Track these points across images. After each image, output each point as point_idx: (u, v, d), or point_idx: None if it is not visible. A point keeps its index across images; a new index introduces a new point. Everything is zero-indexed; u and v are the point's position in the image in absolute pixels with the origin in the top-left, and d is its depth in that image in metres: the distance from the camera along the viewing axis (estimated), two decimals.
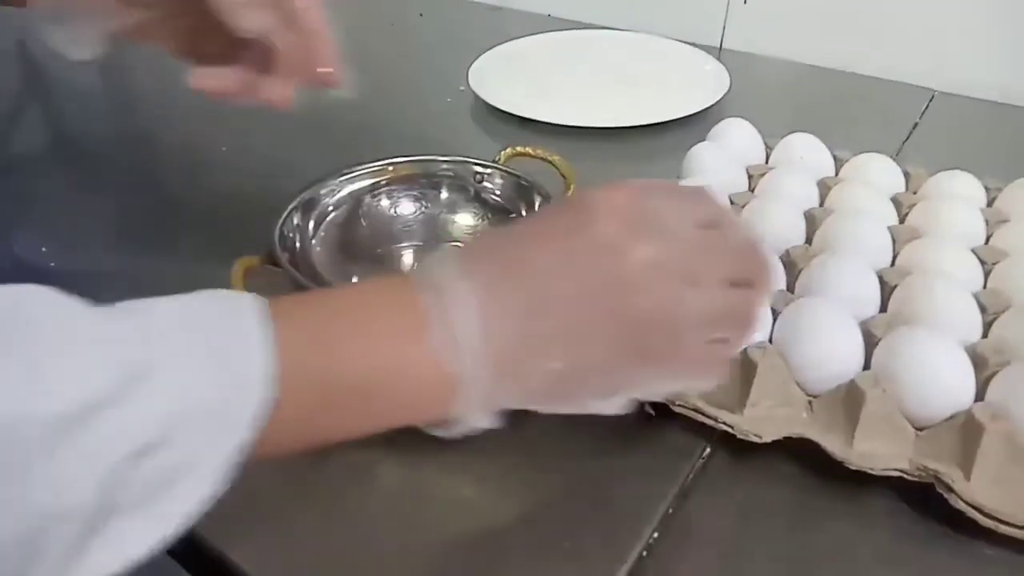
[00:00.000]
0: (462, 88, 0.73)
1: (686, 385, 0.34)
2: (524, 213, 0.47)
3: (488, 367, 0.27)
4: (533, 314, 0.28)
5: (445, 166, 0.50)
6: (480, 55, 0.78)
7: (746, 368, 0.36)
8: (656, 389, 0.32)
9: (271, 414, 0.24)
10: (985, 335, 0.38)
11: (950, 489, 0.33)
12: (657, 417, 0.38)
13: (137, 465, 0.22)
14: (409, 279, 0.28)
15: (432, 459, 0.37)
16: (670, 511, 0.35)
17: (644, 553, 0.33)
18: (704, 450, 0.38)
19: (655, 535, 0.34)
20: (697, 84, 0.71)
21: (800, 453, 0.36)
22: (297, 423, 0.26)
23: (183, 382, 0.23)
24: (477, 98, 0.70)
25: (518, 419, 0.30)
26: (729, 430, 0.36)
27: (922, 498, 0.34)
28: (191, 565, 0.36)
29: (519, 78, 0.75)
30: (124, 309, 0.24)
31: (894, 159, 0.51)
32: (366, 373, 0.27)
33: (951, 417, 0.34)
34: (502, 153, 0.50)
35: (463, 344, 0.27)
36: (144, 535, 0.23)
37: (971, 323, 0.38)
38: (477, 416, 0.28)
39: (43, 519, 0.21)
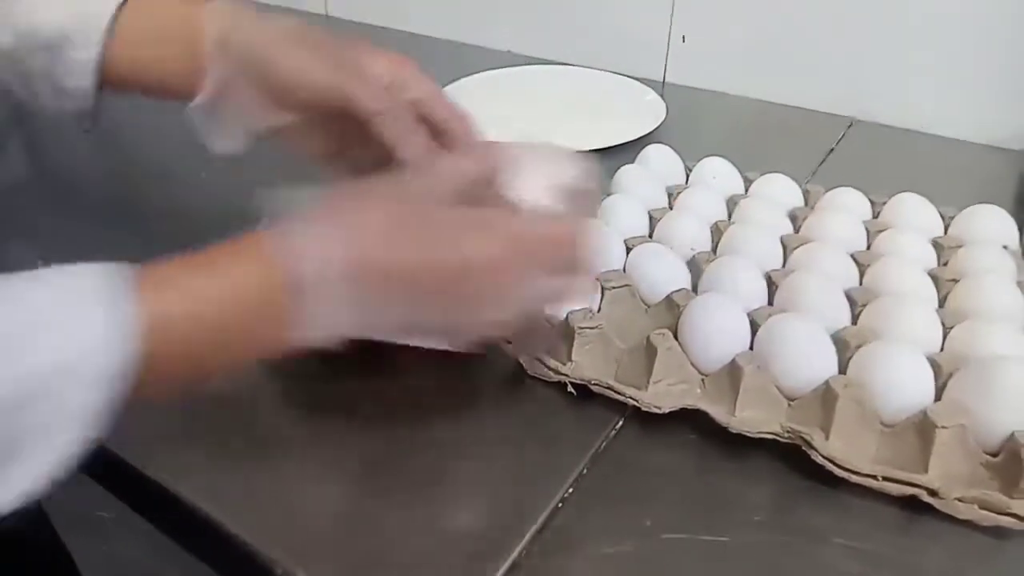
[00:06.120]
0: None
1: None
2: None
3: (332, 326, 0.33)
4: (377, 283, 0.33)
5: None
6: (441, 88, 0.85)
7: (649, 352, 0.43)
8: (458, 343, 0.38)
9: (141, 365, 0.29)
10: (854, 323, 0.45)
11: (811, 446, 0.39)
12: (578, 395, 0.45)
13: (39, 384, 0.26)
14: (265, 235, 0.33)
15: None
16: (584, 471, 0.41)
17: (559, 504, 0.40)
18: (617, 422, 0.44)
19: (570, 490, 0.40)
20: (637, 114, 0.78)
21: (698, 424, 0.43)
22: (170, 368, 0.31)
23: (45, 345, 0.27)
24: None
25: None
26: (636, 403, 0.43)
27: (797, 458, 0.41)
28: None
29: (476, 108, 0.82)
30: None
31: (805, 180, 0.58)
32: (226, 323, 0.32)
33: (815, 388, 0.41)
34: None
35: (315, 305, 0.32)
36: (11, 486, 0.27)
37: (838, 311, 0.45)
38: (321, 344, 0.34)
39: None
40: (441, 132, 0.44)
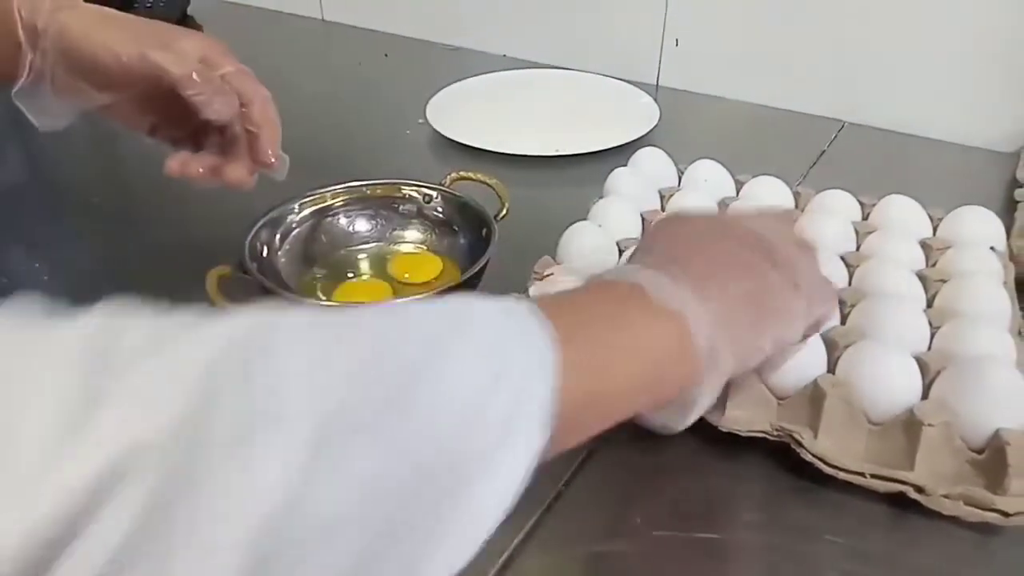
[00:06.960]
0: (421, 121, 0.81)
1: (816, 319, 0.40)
2: (462, 228, 0.54)
3: (724, 356, 0.33)
4: (736, 313, 0.34)
5: (396, 188, 0.57)
6: (438, 91, 0.86)
7: None
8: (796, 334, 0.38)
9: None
10: (843, 323, 0.46)
11: (800, 445, 0.40)
12: None
13: (488, 400, 0.25)
14: (642, 293, 0.32)
15: None
16: (576, 470, 0.42)
17: (552, 503, 0.40)
18: None
19: (562, 488, 0.41)
20: (631, 117, 0.79)
21: (693, 426, 0.43)
22: (565, 419, 0.27)
23: (498, 340, 0.26)
24: (434, 130, 0.78)
25: None
26: None
27: (787, 457, 0.42)
28: None
29: (472, 112, 0.83)
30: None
31: (796, 182, 0.59)
32: (630, 369, 0.31)
33: (804, 387, 0.41)
34: (448, 177, 0.58)
35: (712, 344, 0.32)
36: (506, 477, 0.25)
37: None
38: (710, 398, 0.34)
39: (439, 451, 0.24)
40: (244, 106, 0.45)
